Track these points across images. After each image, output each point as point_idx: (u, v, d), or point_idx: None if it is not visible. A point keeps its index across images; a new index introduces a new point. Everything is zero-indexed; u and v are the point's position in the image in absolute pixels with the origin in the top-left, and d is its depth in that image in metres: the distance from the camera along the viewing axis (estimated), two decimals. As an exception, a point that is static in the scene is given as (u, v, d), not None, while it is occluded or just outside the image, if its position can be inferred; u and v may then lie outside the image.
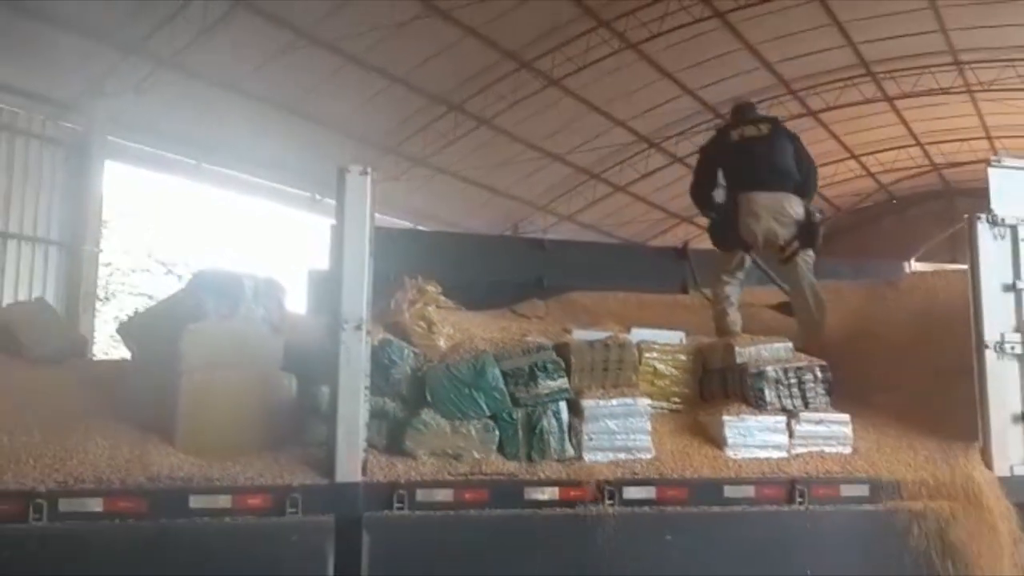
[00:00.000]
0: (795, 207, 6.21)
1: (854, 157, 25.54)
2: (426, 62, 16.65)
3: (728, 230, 6.30)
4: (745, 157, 6.30)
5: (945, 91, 20.55)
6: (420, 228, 20.25)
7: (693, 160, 21.38)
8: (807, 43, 18.61)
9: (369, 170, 4.34)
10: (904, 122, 23.12)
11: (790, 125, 21.30)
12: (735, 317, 6.22)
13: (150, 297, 27.00)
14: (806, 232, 6.21)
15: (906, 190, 28.13)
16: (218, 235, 28.67)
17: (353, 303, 4.20)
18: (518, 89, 18.34)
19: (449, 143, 19.37)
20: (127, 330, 5.26)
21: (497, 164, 20.63)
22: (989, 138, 23.97)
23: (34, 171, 13.81)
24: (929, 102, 21.51)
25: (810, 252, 6.26)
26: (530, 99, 18.73)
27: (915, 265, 8.45)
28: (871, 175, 26.91)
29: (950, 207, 23.40)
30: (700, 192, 6.57)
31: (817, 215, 6.34)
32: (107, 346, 16.87)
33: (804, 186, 6.32)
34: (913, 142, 24.70)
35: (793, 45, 18.61)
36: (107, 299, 24.40)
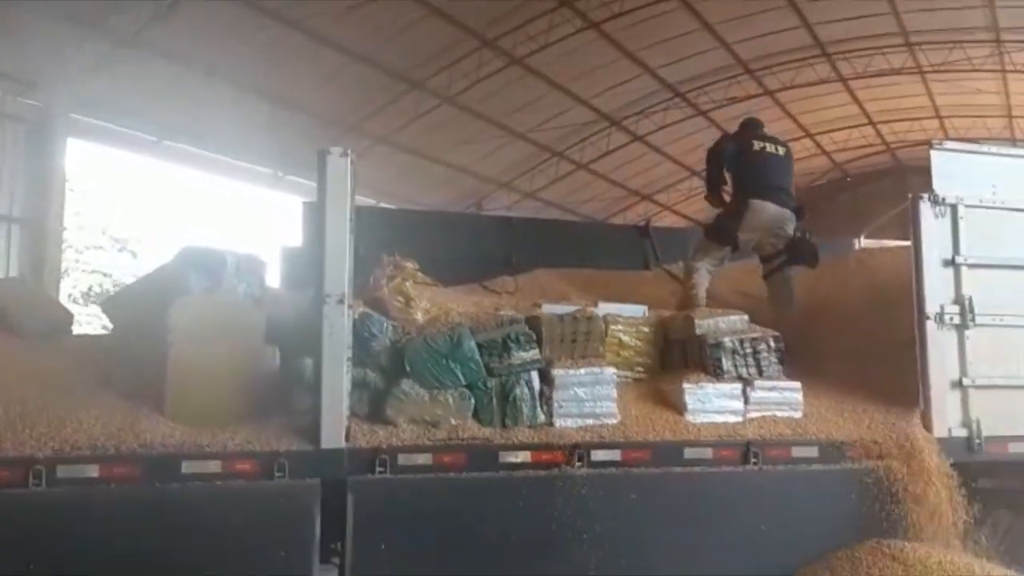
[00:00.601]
0: (790, 227, 6.51)
1: (809, 136, 26.00)
2: (388, 40, 16.64)
3: (731, 228, 6.51)
4: (764, 168, 6.57)
5: (897, 72, 21.02)
6: (383, 206, 20.39)
7: (653, 138, 21.73)
8: (764, 24, 18.89)
9: (349, 152, 4.54)
10: (857, 102, 23.59)
11: (748, 104, 21.79)
12: (703, 301, 6.43)
13: (106, 274, 26.87)
14: (794, 250, 6.52)
15: (859, 168, 28.73)
16: (178, 212, 28.54)
17: (335, 279, 4.41)
18: (481, 67, 18.41)
19: (411, 121, 19.38)
20: (112, 304, 5.42)
21: (460, 142, 20.71)
22: (939, 117, 24.53)
23: (-5, 148, 13.68)
24: (882, 82, 21.95)
25: (794, 268, 6.60)
26: (492, 78, 18.80)
27: (864, 242, 8.81)
28: (826, 153, 27.43)
29: (901, 184, 23.93)
30: (715, 186, 6.82)
31: (808, 234, 6.59)
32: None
33: (800, 208, 6.60)
34: (866, 121, 25.21)
35: (750, 26, 18.88)
36: (62, 275, 24.19)
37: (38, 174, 14.03)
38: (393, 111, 19.11)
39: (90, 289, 26.61)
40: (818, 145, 26.71)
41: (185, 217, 30.43)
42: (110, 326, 5.57)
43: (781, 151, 6.73)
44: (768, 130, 7.00)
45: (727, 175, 6.72)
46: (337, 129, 19.02)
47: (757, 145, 6.64)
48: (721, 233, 6.58)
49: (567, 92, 20.48)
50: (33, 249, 13.83)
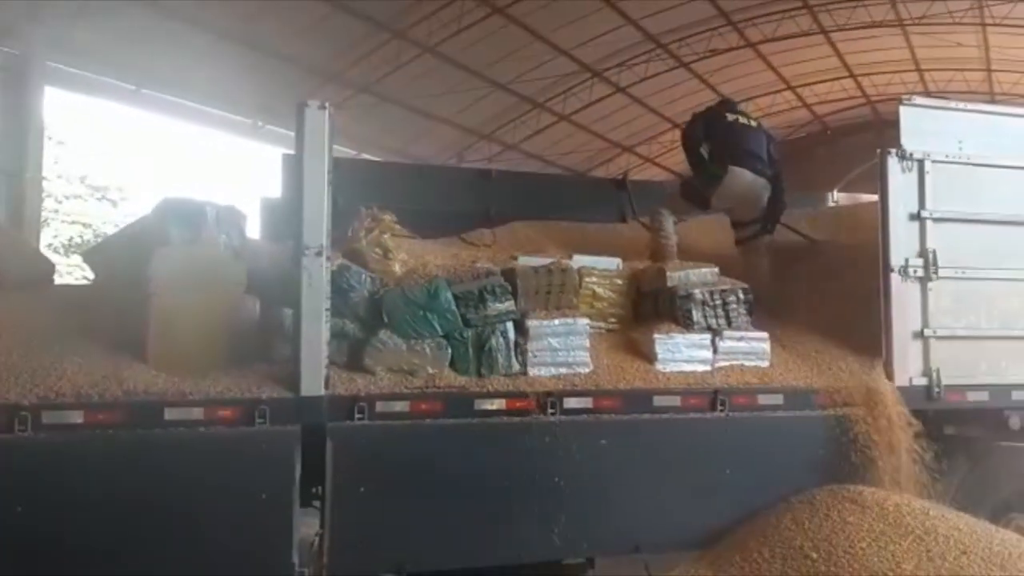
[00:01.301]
0: (765, 195, 6.61)
1: (790, 88, 26.01)
2: (369, -12, 16.52)
3: (706, 192, 6.60)
4: (739, 136, 6.64)
5: (878, 24, 20.98)
6: (365, 157, 20.31)
7: (635, 90, 21.64)
8: (747, -26, 18.87)
9: (327, 104, 4.59)
10: (839, 54, 23.54)
11: (730, 56, 21.71)
12: (675, 250, 6.52)
13: (86, 225, 26.71)
14: (768, 219, 6.67)
15: (839, 121, 28.77)
16: (158, 161, 28.34)
17: (314, 231, 4.49)
18: (462, 17, 18.23)
19: (392, 70, 19.24)
20: (93, 255, 5.48)
21: (441, 92, 20.56)
22: (919, 71, 24.53)
23: (-30, 97, 13.55)
24: (863, 35, 21.92)
25: (766, 238, 6.71)
26: (474, 27, 18.64)
27: (837, 196, 8.94)
28: (806, 106, 27.46)
29: (880, 138, 23.77)
30: (697, 164, 6.79)
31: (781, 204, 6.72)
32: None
33: (774, 179, 6.63)
34: (847, 74, 25.21)
35: (733, -24, 18.85)
36: (42, 226, 24.03)
37: (15, 123, 13.92)
38: (375, 60, 18.94)
39: (71, 240, 26.48)
40: (799, 97, 26.73)
41: (165, 166, 30.19)
42: (92, 276, 5.63)
43: (754, 123, 6.83)
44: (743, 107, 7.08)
45: (704, 150, 6.70)
46: (318, 78, 18.86)
47: (730, 117, 6.73)
48: (695, 195, 6.69)
49: (549, 43, 20.32)
50: (13, 199, 13.76)
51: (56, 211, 25.71)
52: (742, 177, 6.50)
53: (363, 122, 20.17)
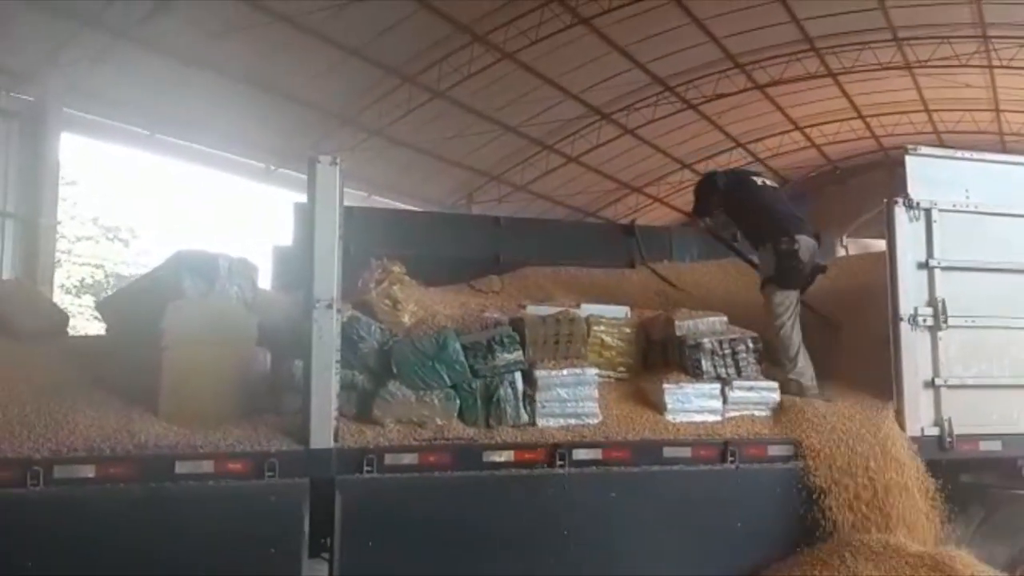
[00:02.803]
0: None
1: (799, 129, 26.17)
2: (380, 35, 16.71)
3: (793, 269, 5.91)
4: (781, 202, 6.40)
5: (885, 67, 21.16)
6: (376, 199, 20.51)
7: (643, 132, 21.77)
8: (753, 19, 18.99)
9: (338, 160, 4.67)
10: (847, 95, 23.70)
11: (737, 99, 21.95)
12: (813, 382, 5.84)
13: (97, 266, 26.96)
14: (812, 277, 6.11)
15: (849, 162, 28.86)
16: (170, 203, 28.64)
17: (324, 283, 4.54)
18: (472, 62, 18.50)
19: (404, 114, 19.48)
20: (106, 307, 5.53)
21: (452, 135, 20.81)
22: (928, 111, 24.69)
23: (-11, 143, 13.77)
24: (871, 77, 22.08)
25: (785, 293, 5.93)
26: (484, 72, 18.91)
27: (846, 242, 8.96)
28: (816, 147, 27.59)
29: (891, 177, 23.96)
30: (705, 212, 6.52)
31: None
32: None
33: (817, 235, 6.32)
34: (855, 115, 25.35)
35: (740, 21, 18.98)
36: (54, 267, 24.29)
37: (31, 168, 14.14)
38: (386, 104, 19.22)
39: (82, 280, 26.74)
40: (808, 138, 26.88)
41: (177, 207, 30.50)
42: (105, 326, 5.68)
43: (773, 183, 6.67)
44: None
45: (722, 209, 6.38)
46: (331, 122, 19.16)
47: (759, 180, 6.45)
48: (788, 276, 5.92)
49: (557, 86, 20.58)
50: (27, 243, 13.91)
51: (68, 252, 25.99)
52: (808, 246, 5.99)
53: (375, 165, 20.41)
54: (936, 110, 24.55)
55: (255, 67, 16.11)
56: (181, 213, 30.08)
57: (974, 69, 20.90)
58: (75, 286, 26.22)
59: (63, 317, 5.76)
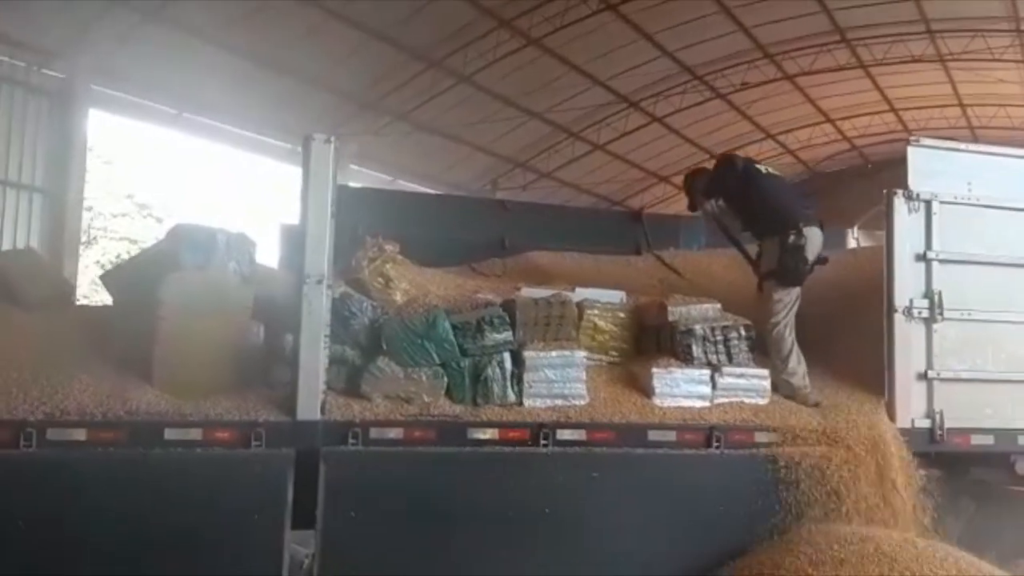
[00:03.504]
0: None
1: (830, 121, 25.93)
2: (405, 19, 16.79)
3: (798, 265, 5.72)
4: (789, 189, 6.31)
5: (917, 59, 20.88)
6: (400, 183, 20.61)
7: (671, 121, 21.59)
8: (783, 8, 18.85)
9: (332, 138, 4.75)
10: (879, 88, 23.43)
11: (766, 89, 21.70)
12: (808, 388, 5.69)
13: (132, 241, 27.37)
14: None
15: (881, 155, 28.44)
16: (199, 183, 29.04)
17: (316, 260, 4.62)
18: (497, 47, 18.53)
19: (428, 99, 19.56)
20: (109, 278, 5.66)
21: (476, 120, 20.86)
22: (962, 106, 24.33)
23: (18, 118, 13.99)
24: (903, 70, 21.80)
25: (785, 290, 5.76)
26: (509, 58, 18.93)
27: (857, 233, 8.91)
28: (847, 139, 27.28)
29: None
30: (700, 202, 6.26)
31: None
32: (89, 290, 17.24)
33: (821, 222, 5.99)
34: (888, 108, 25.04)
35: (769, 10, 18.83)
36: (90, 243, 24.76)
37: (60, 144, 14.41)
38: (410, 89, 19.30)
39: (118, 256, 27.15)
40: (839, 130, 26.61)
41: (204, 188, 30.90)
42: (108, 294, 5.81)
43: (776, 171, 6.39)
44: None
45: (728, 200, 6.04)
46: (354, 105, 19.26)
47: (763, 168, 6.17)
48: (790, 275, 5.73)
49: (584, 73, 20.55)
50: (54, 218, 14.19)
51: (104, 229, 26.43)
52: (816, 236, 5.81)
53: (400, 149, 20.53)
54: (971, 105, 24.19)
55: (280, 49, 16.28)
56: (209, 191, 30.38)
57: (1008, 64, 20.55)
58: (111, 262, 26.63)
59: (69, 287, 5.91)
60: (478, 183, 23.93)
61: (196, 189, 32.69)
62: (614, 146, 24.66)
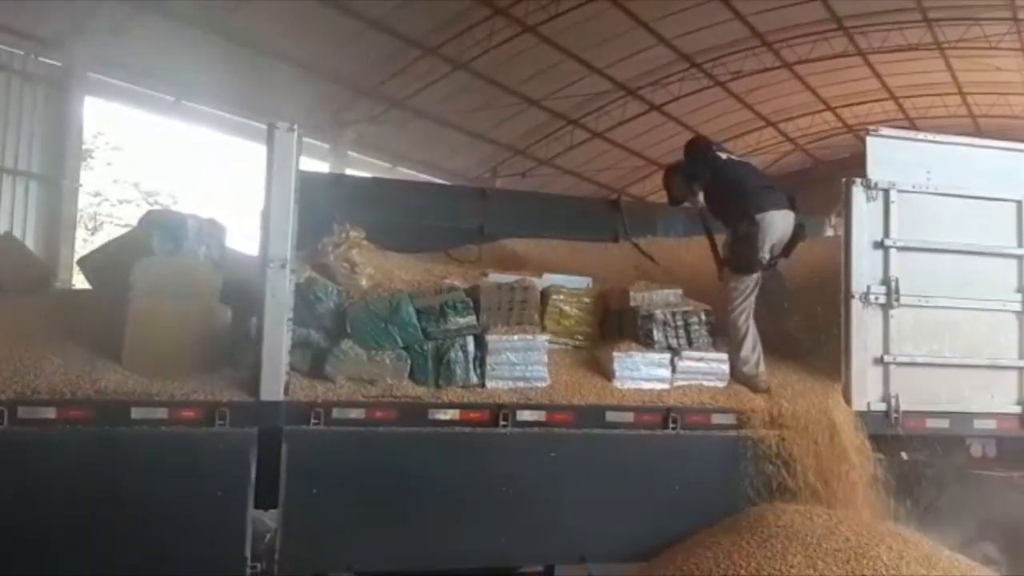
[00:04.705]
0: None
1: (830, 109, 25.88)
2: (401, 6, 16.87)
3: (750, 254, 5.76)
4: (747, 175, 6.19)
5: (914, 47, 20.84)
6: (400, 171, 20.71)
7: (670, 108, 21.48)
8: (779, -3, 18.89)
9: (295, 127, 4.90)
10: (878, 76, 23.38)
11: (765, 77, 21.56)
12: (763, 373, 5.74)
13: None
14: (791, 245, 5.92)
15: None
16: (197, 170, 29.29)
17: (278, 245, 4.77)
18: (492, 35, 18.58)
19: (425, 86, 19.62)
20: (87, 263, 5.82)
21: (475, 108, 20.92)
22: (962, 94, 24.28)
23: (15, 106, 14.17)
24: (902, 58, 21.75)
25: (740, 278, 5.81)
26: (505, 45, 18.97)
27: (835, 221, 8.97)
28: (848, 127, 27.21)
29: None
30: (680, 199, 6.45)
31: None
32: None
33: (791, 199, 6.07)
34: (887, 96, 24.99)
35: (766, -1, 18.88)
36: (95, 230, 24.99)
37: (56, 132, 14.57)
38: (408, 76, 19.34)
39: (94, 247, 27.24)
40: (839, 118, 26.53)
41: (202, 175, 31.11)
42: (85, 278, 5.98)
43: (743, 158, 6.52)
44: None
45: (698, 194, 6.10)
46: (351, 92, 19.34)
47: (723, 155, 6.22)
48: (742, 263, 5.80)
49: (581, 60, 20.56)
50: (50, 205, 14.37)
51: (110, 215, 26.64)
52: (774, 222, 5.80)
53: (398, 137, 20.63)
54: (970, 93, 24.13)
55: (277, 37, 16.38)
56: (209, 178, 30.61)
57: (1006, 52, 20.49)
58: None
59: (46, 271, 6.07)
60: (478, 170, 24.03)
61: (198, 176, 32.91)
62: (613, 134, 24.70)
